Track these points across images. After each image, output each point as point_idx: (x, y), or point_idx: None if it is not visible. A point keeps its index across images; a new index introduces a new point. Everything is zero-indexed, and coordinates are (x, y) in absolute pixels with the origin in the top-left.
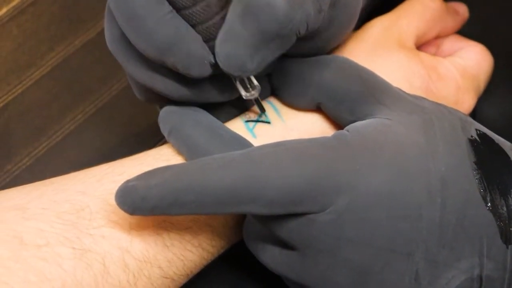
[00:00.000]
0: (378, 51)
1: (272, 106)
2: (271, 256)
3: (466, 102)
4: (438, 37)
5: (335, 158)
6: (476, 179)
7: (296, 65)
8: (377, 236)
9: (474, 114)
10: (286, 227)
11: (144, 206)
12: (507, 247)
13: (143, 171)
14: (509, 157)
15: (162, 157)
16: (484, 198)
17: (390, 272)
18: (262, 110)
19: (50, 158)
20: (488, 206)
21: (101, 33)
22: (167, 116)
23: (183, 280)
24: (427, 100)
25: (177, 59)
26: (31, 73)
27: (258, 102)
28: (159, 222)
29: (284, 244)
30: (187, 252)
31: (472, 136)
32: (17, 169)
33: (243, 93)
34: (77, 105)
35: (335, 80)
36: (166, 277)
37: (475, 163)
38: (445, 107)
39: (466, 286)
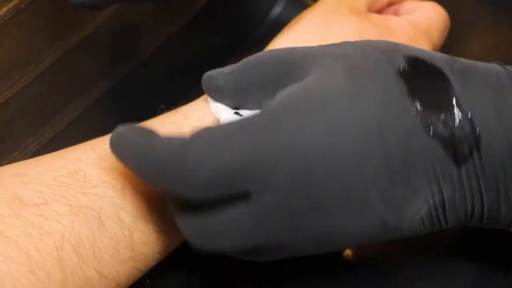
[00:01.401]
0: (332, 18)
1: None
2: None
3: None
4: (394, 3)
5: (262, 132)
6: (413, 109)
7: (225, 78)
8: (326, 199)
9: None
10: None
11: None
12: (460, 167)
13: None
14: (443, 74)
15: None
16: (425, 127)
17: (353, 227)
18: None
19: (54, 145)
20: (430, 134)
21: (97, 30)
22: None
23: (175, 234)
24: (351, 43)
25: None
26: (32, 68)
27: None
28: None
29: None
30: None
31: (400, 67)
32: (23, 156)
33: None
34: (77, 96)
35: (260, 78)
36: (160, 232)
37: (408, 93)
38: (368, 43)
39: (431, 213)
